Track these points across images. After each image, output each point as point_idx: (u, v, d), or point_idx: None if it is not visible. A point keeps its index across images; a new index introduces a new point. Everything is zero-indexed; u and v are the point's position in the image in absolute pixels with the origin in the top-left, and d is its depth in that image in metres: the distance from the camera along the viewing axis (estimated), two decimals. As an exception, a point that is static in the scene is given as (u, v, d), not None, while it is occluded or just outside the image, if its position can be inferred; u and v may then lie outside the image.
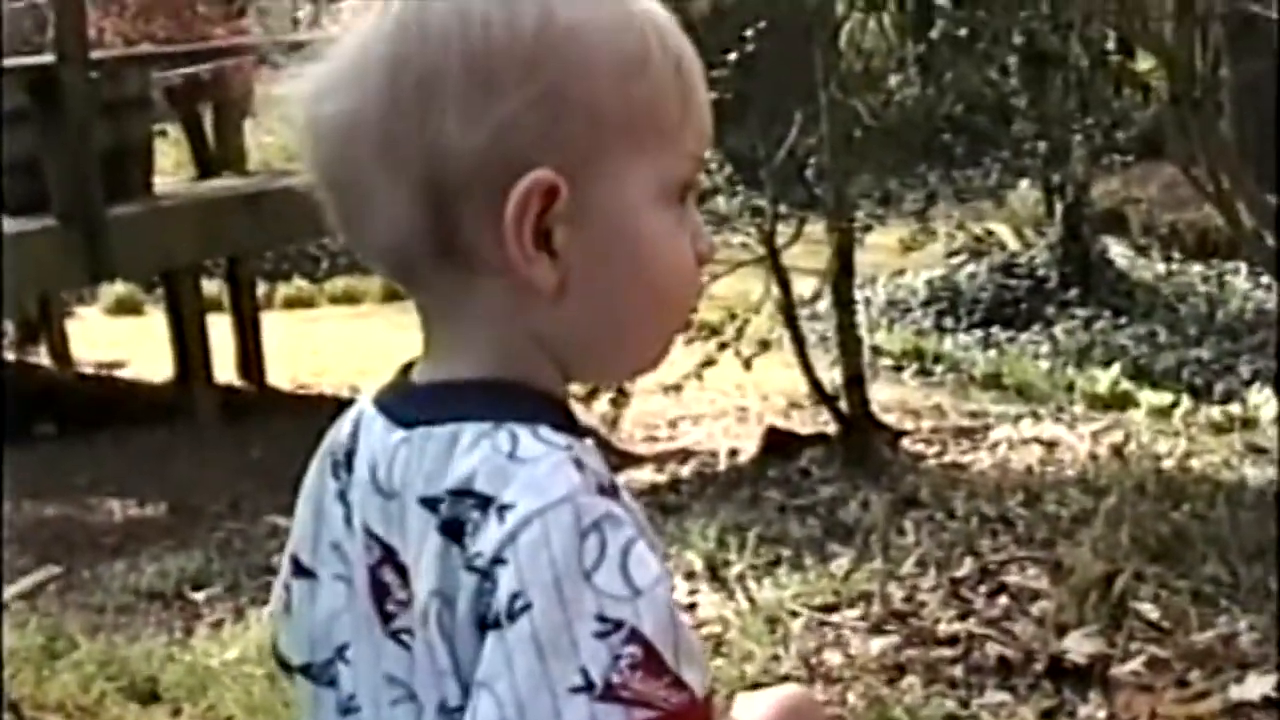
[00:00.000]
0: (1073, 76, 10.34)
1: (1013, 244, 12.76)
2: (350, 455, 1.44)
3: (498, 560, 1.24)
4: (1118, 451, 6.85)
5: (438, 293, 1.39)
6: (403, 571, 1.35)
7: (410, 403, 1.40)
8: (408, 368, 1.46)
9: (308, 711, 1.51)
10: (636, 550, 1.25)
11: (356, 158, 1.36)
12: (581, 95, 1.33)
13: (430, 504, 1.32)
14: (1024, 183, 13.83)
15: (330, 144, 1.38)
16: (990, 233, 11.36)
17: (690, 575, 5.55)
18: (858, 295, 7.93)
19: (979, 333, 11.52)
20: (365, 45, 1.37)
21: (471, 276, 1.36)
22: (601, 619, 1.22)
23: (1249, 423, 7.65)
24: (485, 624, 1.25)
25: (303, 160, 1.41)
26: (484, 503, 1.27)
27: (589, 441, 1.37)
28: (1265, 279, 10.94)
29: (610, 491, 1.29)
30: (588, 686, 1.21)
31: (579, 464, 1.29)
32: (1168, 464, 6.54)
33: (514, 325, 1.37)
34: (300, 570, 1.51)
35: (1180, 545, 5.39)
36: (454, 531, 1.29)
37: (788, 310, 7.33)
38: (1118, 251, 13.11)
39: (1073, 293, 11.97)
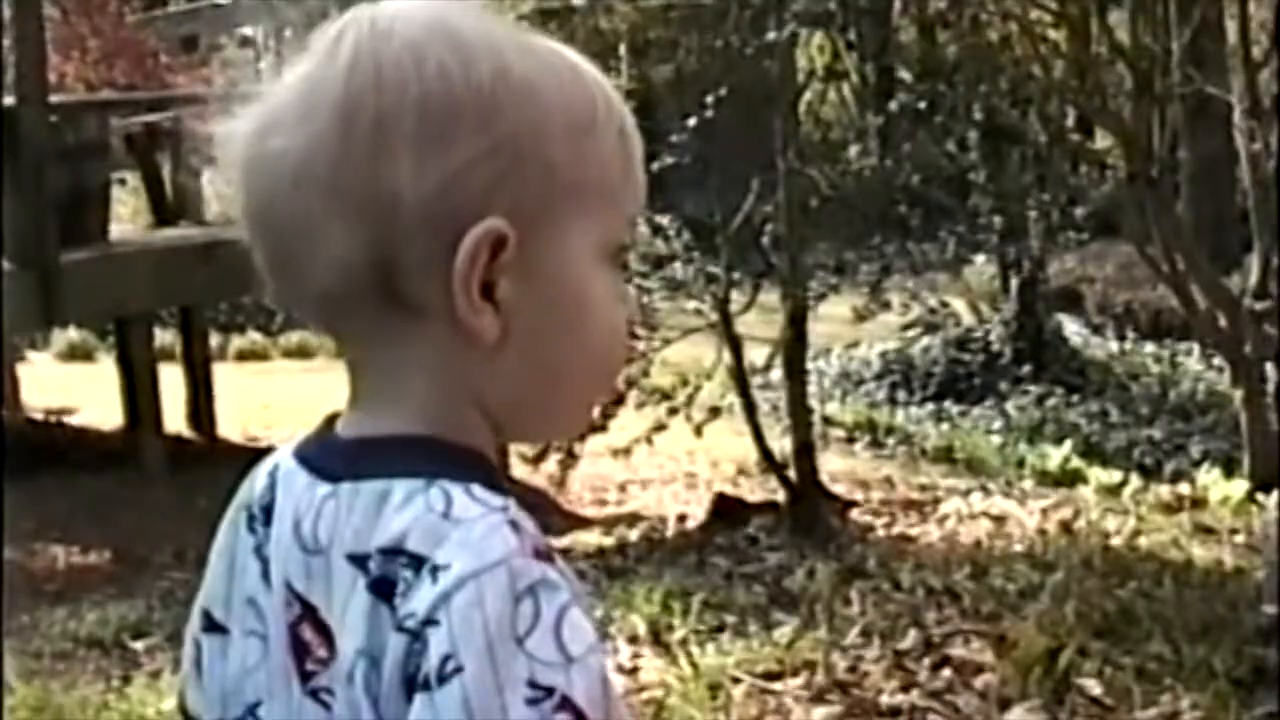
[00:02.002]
0: (1031, 152, 10.41)
1: (967, 318, 12.79)
2: (268, 509, 1.41)
3: (430, 621, 1.21)
4: (1066, 528, 6.85)
5: (373, 340, 1.36)
6: (324, 629, 1.32)
7: (336, 456, 1.36)
8: (331, 420, 1.42)
9: None
10: (571, 616, 1.22)
11: (300, 197, 1.32)
12: (534, 149, 1.32)
13: (358, 561, 1.29)
14: (980, 258, 13.90)
15: (271, 182, 1.34)
16: (945, 304, 11.45)
17: (633, 639, 5.52)
18: (811, 366, 7.94)
19: (931, 406, 11.55)
20: (314, 85, 1.33)
21: (411, 323, 1.33)
22: (533, 685, 1.20)
23: (1198, 503, 7.66)
24: (414, 685, 1.22)
25: (236, 199, 1.37)
26: (417, 562, 1.24)
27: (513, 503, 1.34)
28: (1217, 360, 10.99)
29: (545, 556, 1.26)
30: None
31: (515, 526, 1.25)
32: (1116, 541, 6.54)
33: (449, 376, 1.34)
34: (212, 625, 1.47)
35: (1125, 623, 5.39)
36: (384, 590, 1.26)
37: (739, 377, 7.32)
38: (1072, 329, 13.18)
39: (1026, 369, 12.01)
